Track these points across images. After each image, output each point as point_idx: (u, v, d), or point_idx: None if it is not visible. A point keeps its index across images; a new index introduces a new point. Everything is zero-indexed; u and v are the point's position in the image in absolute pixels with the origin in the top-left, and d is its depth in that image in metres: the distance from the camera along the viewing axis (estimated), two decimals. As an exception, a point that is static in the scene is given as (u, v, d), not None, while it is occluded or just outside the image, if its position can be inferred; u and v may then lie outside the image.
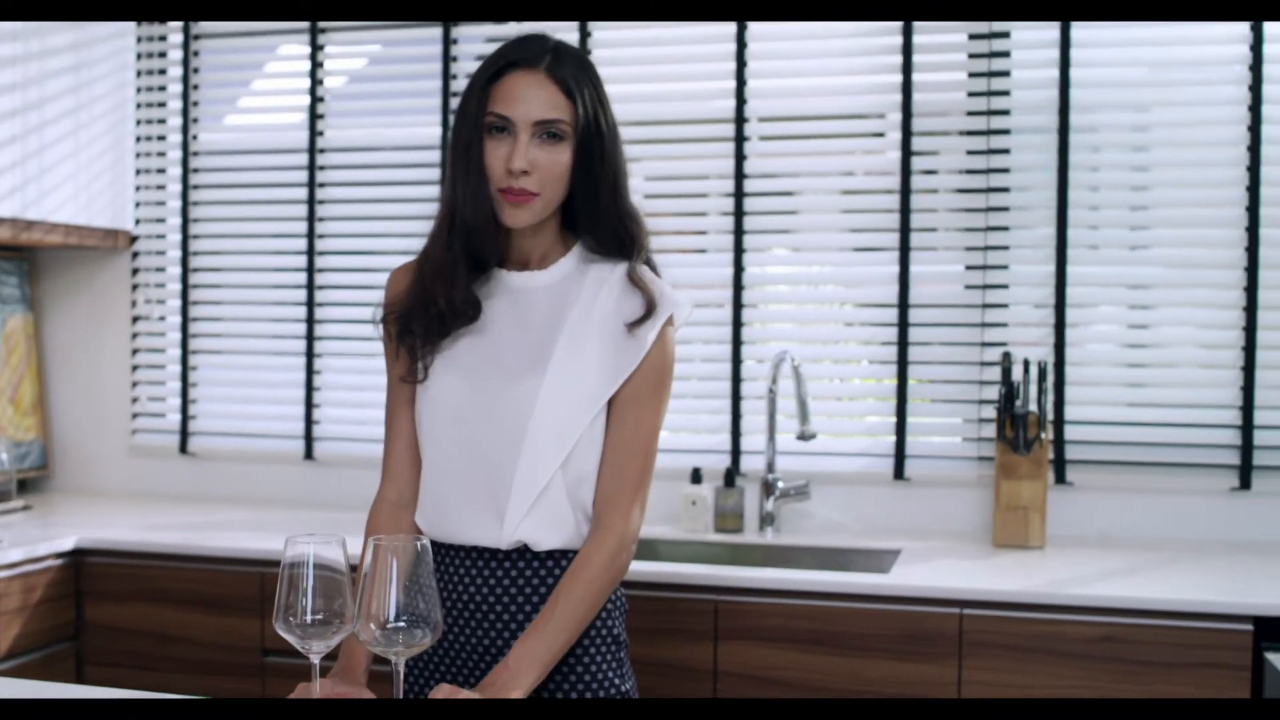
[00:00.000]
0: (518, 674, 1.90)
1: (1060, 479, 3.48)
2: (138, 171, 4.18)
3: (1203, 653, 2.74)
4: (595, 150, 2.03)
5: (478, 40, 3.95)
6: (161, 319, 4.21)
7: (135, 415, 4.21)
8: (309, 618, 1.67)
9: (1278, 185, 3.41)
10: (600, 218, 2.09)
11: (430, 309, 2.07)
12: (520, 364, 2.06)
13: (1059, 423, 3.48)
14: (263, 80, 4.20)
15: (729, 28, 3.71)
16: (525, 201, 2.01)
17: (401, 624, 1.66)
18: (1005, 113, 3.56)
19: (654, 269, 2.18)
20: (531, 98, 1.99)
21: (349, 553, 1.72)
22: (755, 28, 3.70)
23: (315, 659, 1.70)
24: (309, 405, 4.02)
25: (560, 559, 2.08)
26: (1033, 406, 3.37)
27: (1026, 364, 3.36)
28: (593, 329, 2.07)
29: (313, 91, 4.03)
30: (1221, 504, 3.42)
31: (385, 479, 2.21)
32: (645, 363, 2.07)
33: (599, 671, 2.10)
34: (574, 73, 2.02)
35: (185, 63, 4.13)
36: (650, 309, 2.07)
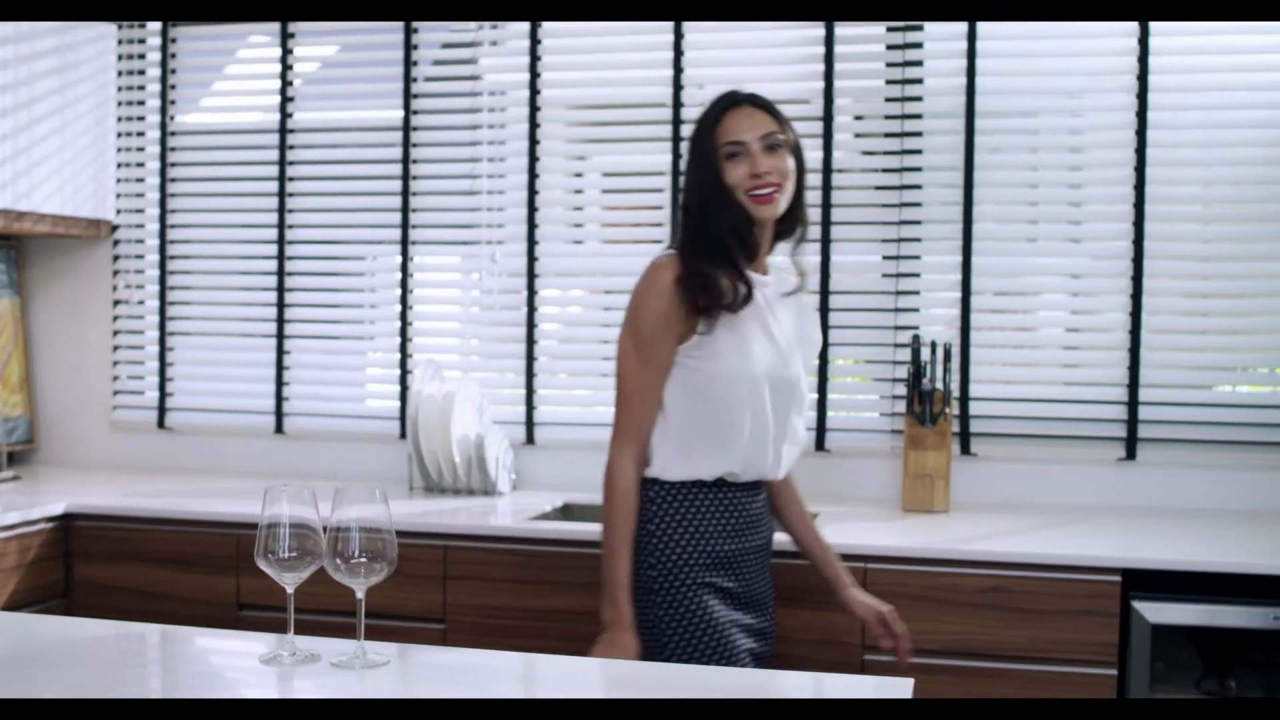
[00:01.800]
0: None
1: (965, 450, 3.83)
2: (119, 165, 4.48)
3: (1078, 600, 3.09)
4: (800, 158, 2.72)
5: (438, 29, 4.26)
6: (140, 303, 4.51)
7: (116, 393, 4.52)
8: (285, 555, 2.00)
9: (1162, 183, 3.76)
10: (800, 210, 2.76)
11: (723, 299, 2.63)
12: (786, 347, 2.73)
13: (964, 399, 3.83)
14: (236, 66, 4.51)
15: (667, 26, 4.05)
16: (771, 198, 2.65)
17: (362, 560, 1.99)
18: (918, 116, 3.90)
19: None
20: (751, 124, 2.67)
21: (318, 505, 2.04)
22: (691, 27, 4.04)
23: (290, 589, 2.03)
24: (279, 383, 4.34)
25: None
26: (938, 384, 3.71)
27: (934, 345, 3.70)
28: (803, 317, 2.84)
29: (283, 77, 4.34)
30: (1109, 472, 3.78)
31: (634, 442, 2.73)
32: None
33: None
34: (767, 103, 2.72)
35: (163, 63, 4.43)
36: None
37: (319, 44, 4.40)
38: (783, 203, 2.68)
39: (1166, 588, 3.04)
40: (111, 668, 2.06)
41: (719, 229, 2.65)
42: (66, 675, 1.97)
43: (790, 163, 2.68)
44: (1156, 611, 3.03)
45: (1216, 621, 3.01)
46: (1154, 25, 3.73)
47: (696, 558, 2.73)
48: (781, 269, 2.86)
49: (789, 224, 2.78)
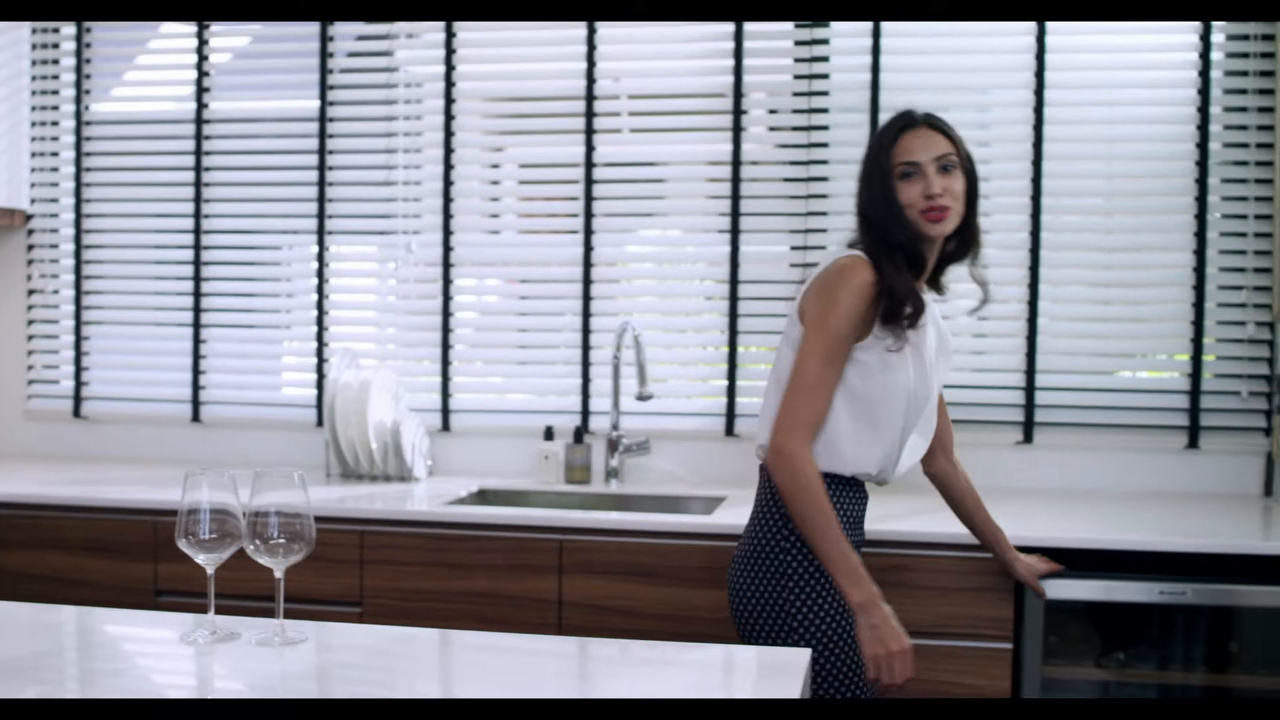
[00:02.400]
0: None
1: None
2: (33, 154, 4.48)
3: (974, 578, 3.22)
4: (973, 177, 2.76)
5: (351, 24, 4.31)
6: (55, 292, 4.53)
7: (31, 382, 4.53)
8: (205, 536, 2.06)
9: (1060, 176, 3.91)
10: (971, 227, 2.79)
11: (904, 309, 2.68)
12: (930, 364, 2.80)
13: (868, 385, 3.95)
14: (150, 57, 4.53)
15: (581, 24, 4.14)
16: (943, 216, 2.69)
17: (281, 541, 2.06)
18: (824, 111, 4.02)
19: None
20: (926, 145, 2.70)
21: (237, 490, 2.10)
22: (604, 23, 4.14)
23: (210, 569, 2.10)
24: (196, 371, 4.38)
25: None
26: (844, 370, 3.83)
27: (838, 333, 3.82)
28: (942, 333, 2.88)
29: (199, 67, 4.37)
30: (1007, 455, 3.92)
31: (812, 432, 2.66)
32: None
33: None
34: (942, 123, 2.75)
35: (78, 52, 4.45)
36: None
37: (233, 34, 4.43)
38: (953, 222, 2.72)
39: (1059, 563, 3.18)
40: (31, 647, 2.11)
41: (898, 244, 2.70)
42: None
43: (961, 183, 2.72)
44: (1049, 587, 3.16)
45: (1108, 597, 3.14)
46: (1050, 25, 3.87)
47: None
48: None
49: (958, 242, 2.81)
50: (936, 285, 2.86)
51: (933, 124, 2.75)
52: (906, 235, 2.69)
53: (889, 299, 2.66)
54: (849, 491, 2.79)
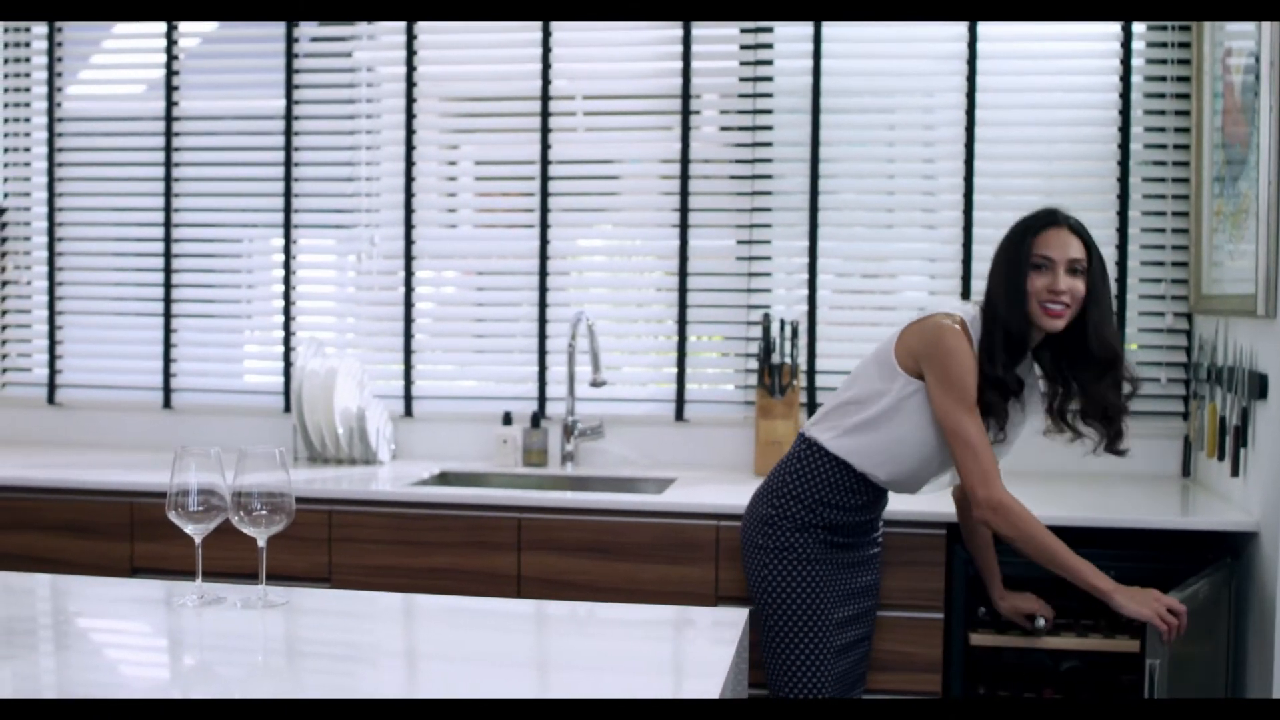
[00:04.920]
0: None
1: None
2: (6, 149, 4.63)
3: (909, 551, 3.42)
4: (1100, 284, 2.97)
5: (314, 23, 4.48)
6: (29, 283, 4.68)
7: (5, 370, 4.68)
8: (194, 509, 2.24)
9: (991, 175, 4.12)
10: (1111, 327, 3.01)
11: (1001, 390, 2.98)
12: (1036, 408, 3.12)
13: (810, 372, 4.16)
14: (119, 56, 4.68)
15: (536, 22, 4.32)
16: (1061, 314, 2.93)
17: (264, 513, 2.24)
18: (768, 112, 4.22)
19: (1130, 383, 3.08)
20: (1065, 244, 2.95)
21: (223, 467, 2.28)
22: (559, 25, 4.32)
23: (197, 539, 2.28)
24: (167, 359, 4.54)
25: None
26: (787, 359, 4.04)
27: (782, 323, 4.03)
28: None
29: (169, 66, 4.52)
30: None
31: (1001, 481, 3.01)
32: None
33: None
34: (1083, 229, 2.98)
35: (50, 50, 4.59)
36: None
37: (199, 34, 4.58)
38: (1066, 320, 2.94)
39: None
40: (33, 609, 2.29)
41: (1007, 327, 2.96)
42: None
43: (1083, 287, 2.94)
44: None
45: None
46: (981, 28, 4.09)
47: (803, 504, 3.14)
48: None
49: (1079, 341, 2.99)
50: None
51: (1076, 229, 2.99)
52: (1020, 321, 2.96)
53: (982, 397, 2.97)
54: (863, 484, 3.13)
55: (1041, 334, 3.00)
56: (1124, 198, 4.05)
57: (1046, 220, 2.99)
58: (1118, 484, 3.87)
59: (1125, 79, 4.04)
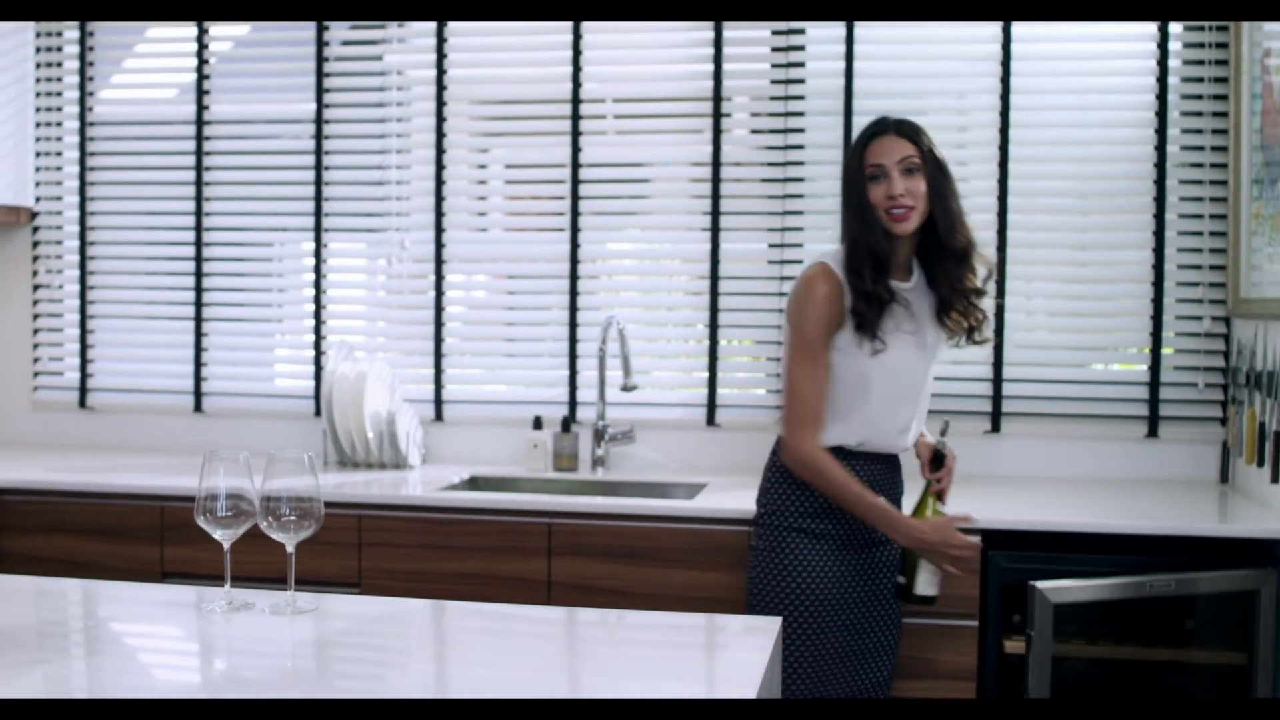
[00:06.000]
0: None
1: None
2: (38, 154, 4.64)
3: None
4: (939, 177, 3.02)
5: (344, 26, 4.47)
6: (60, 287, 4.69)
7: (37, 374, 4.69)
8: (222, 514, 2.23)
9: (1025, 177, 4.08)
10: (958, 222, 3.06)
11: (873, 302, 3.00)
12: (922, 340, 3.10)
13: (843, 376, 4.13)
14: (150, 60, 4.70)
15: (566, 25, 4.30)
16: (905, 216, 2.99)
17: (292, 518, 2.23)
18: (800, 114, 4.19)
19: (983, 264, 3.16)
20: (893, 149, 3.01)
21: (251, 472, 2.27)
22: (589, 27, 4.30)
23: (226, 544, 2.27)
24: (198, 363, 4.54)
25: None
26: (819, 362, 4.00)
27: (814, 327, 3.99)
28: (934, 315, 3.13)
29: (199, 70, 4.53)
30: (976, 443, 4.09)
31: (811, 427, 3.07)
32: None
33: None
34: (911, 129, 3.03)
35: (81, 54, 4.60)
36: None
37: (230, 38, 4.59)
38: (915, 221, 3.01)
39: (1023, 545, 3.36)
40: (66, 613, 2.28)
41: (867, 243, 3.01)
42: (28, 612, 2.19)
43: (924, 184, 3.00)
44: (1012, 567, 3.33)
45: (1070, 576, 3.30)
46: (1016, 28, 4.05)
47: (794, 504, 3.14)
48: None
49: (931, 234, 3.06)
50: (957, 280, 3.11)
51: (901, 130, 3.04)
52: (874, 234, 3.01)
53: (854, 312, 3.01)
54: (858, 460, 3.11)
55: (904, 243, 3.06)
56: (1161, 200, 4.00)
57: (874, 130, 3.06)
58: (1154, 489, 3.83)
59: (1162, 80, 4.00)
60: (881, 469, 3.16)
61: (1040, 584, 3.25)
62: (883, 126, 3.06)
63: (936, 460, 3.20)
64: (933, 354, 3.17)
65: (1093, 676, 3.40)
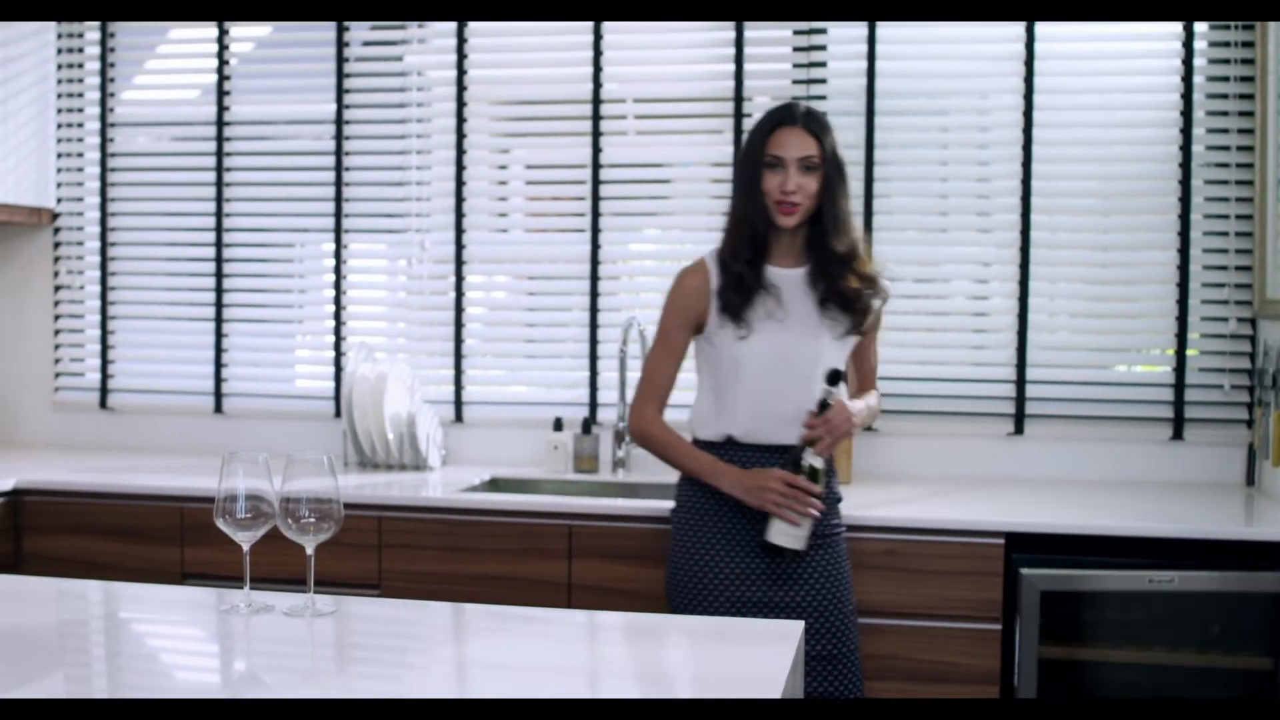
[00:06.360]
0: (862, 411, 3.16)
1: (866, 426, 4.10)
2: (59, 155, 4.65)
3: (965, 562, 3.37)
4: (834, 178, 3.04)
5: (365, 27, 4.47)
6: (81, 288, 4.69)
7: (58, 374, 4.70)
8: (241, 515, 2.22)
9: (1049, 178, 4.05)
10: (845, 224, 3.08)
11: (739, 288, 3.05)
12: (799, 328, 3.08)
13: (865, 378, 4.10)
14: (171, 61, 4.70)
15: (587, 23, 4.28)
16: (792, 212, 3.02)
17: (311, 520, 2.21)
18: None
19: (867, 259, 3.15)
20: (796, 143, 3.01)
21: (270, 472, 2.26)
22: (610, 27, 4.29)
23: (245, 546, 2.25)
24: (218, 365, 4.54)
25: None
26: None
27: (836, 328, 3.97)
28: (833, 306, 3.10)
29: (220, 71, 4.53)
30: (999, 446, 4.07)
31: (648, 403, 3.21)
32: (871, 327, 3.23)
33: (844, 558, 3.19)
34: (818, 125, 3.03)
35: (102, 56, 4.61)
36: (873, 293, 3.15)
37: (250, 39, 4.59)
38: (799, 218, 3.03)
39: (1048, 549, 3.33)
40: (85, 613, 2.27)
41: (751, 228, 3.05)
42: (46, 614, 2.18)
43: (817, 184, 3.02)
44: (1036, 570, 3.30)
45: (1094, 579, 3.28)
46: (1039, 28, 4.02)
47: (704, 501, 3.15)
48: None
49: (819, 230, 3.07)
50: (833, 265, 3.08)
51: (807, 125, 3.04)
52: (759, 221, 3.05)
53: (719, 294, 3.07)
54: (727, 453, 3.12)
55: (785, 235, 3.07)
56: (1186, 200, 3.97)
57: (780, 119, 3.06)
58: (1179, 492, 3.81)
59: (1187, 79, 3.97)
60: (773, 462, 3.09)
61: (1026, 570, 3.30)
62: (790, 117, 3.05)
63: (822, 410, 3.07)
64: (819, 344, 3.09)
65: (1117, 682, 3.38)
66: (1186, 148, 3.97)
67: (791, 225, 3.04)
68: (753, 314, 3.06)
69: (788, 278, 3.10)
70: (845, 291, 3.08)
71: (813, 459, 3.02)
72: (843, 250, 3.07)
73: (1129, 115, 4.04)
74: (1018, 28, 4.04)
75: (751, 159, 3.07)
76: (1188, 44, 3.96)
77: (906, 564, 3.40)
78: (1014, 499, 3.68)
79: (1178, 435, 3.99)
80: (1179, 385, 4.00)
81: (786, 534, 3.01)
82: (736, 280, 3.06)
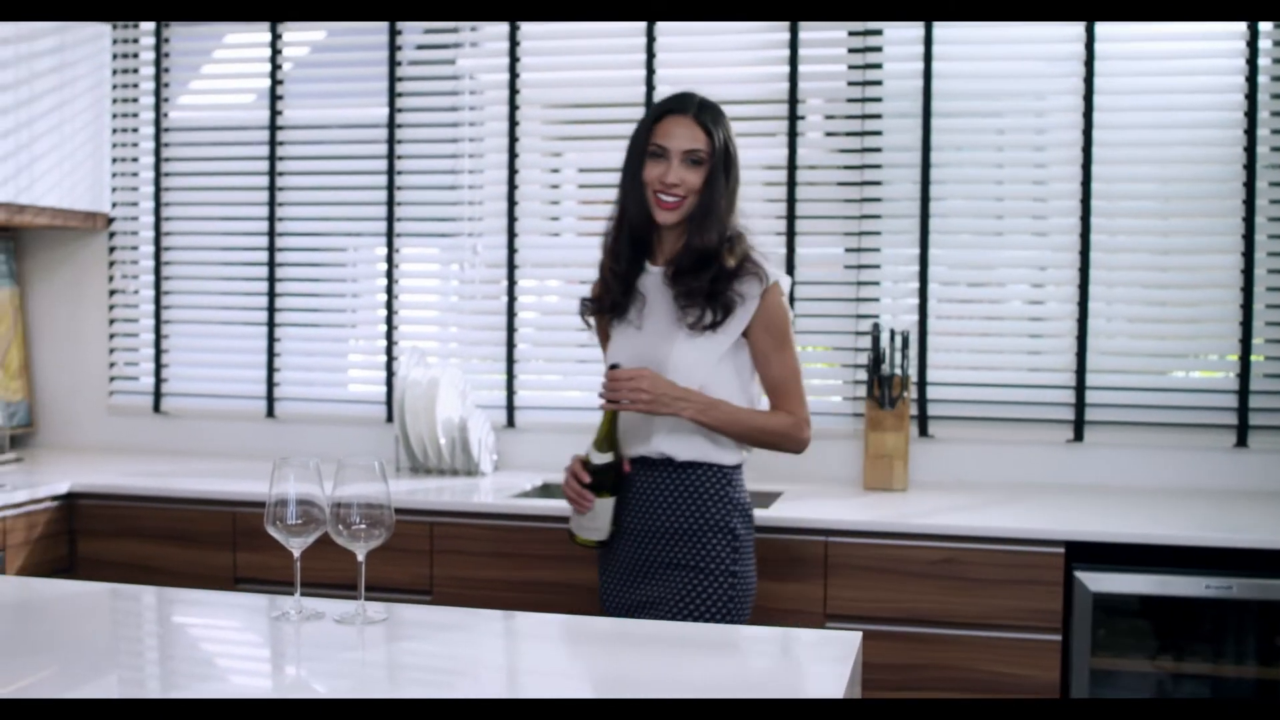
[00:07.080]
0: (701, 401, 2.84)
1: (923, 432, 4.05)
2: (114, 160, 4.67)
3: (1024, 570, 3.31)
4: (721, 173, 2.83)
5: (417, 31, 4.47)
6: (136, 292, 4.71)
7: (113, 378, 4.72)
8: (292, 522, 2.20)
9: (1109, 180, 3.99)
10: (716, 221, 2.84)
11: (609, 287, 2.94)
12: (650, 330, 2.90)
13: (921, 383, 4.06)
14: (225, 65, 4.72)
15: (640, 25, 4.26)
16: (672, 206, 2.82)
17: (362, 526, 2.19)
18: (877, 116, 4.11)
19: (754, 256, 2.91)
20: (683, 134, 2.82)
21: (321, 478, 2.24)
22: (663, 29, 4.25)
23: (296, 553, 2.24)
24: (270, 369, 4.55)
25: (695, 469, 2.90)
26: (897, 370, 3.93)
27: (892, 333, 3.92)
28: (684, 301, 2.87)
29: (273, 76, 4.54)
30: (1058, 453, 4.00)
31: None
32: (758, 324, 2.87)
33: (713, 552, 2.90)
34: (711, 118, 2.84)
35: (157, 61, 4.62)
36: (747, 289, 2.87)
37: (304, 43, 4.60)
38: (679, 214, 2.83)
39: (1108, 559, 3.27)
40: (139, 618, 2.26)
41: (630, 220, 2.89)
42: (96, 619, 2.17)
43: (701, 179, 2.82)
44: (1097, 581, 3.25)
45: (1157, 591, 3.22)
46: (1099, 28, 3.96)
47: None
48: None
49: (703, 229, 2.84)
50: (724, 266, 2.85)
51: (699, 117, 2.85)
52: (638, 213, 2.87)
53: (616, 288, 2.93)
54: (634, 464, 2.96)
55: (667, 232, 2.89)
56: (1250, 203, 3.90)
57: (669, 106, 2.88)
58: (1244, 501, 3.73)
59: (1251, 79, 3.89)
60: (641, 474, 2.93)
61: (1085, 577, 3.21)
62: (681, 106, 2.86)
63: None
64: (670, 346, 2.87)
65: (1178, 695, 3.31)
66: (1251, 149, 3.89)
67: (671, 222, 2.84)
68: (625, 316, 2.94)
69: (652, 277, 2.93)
70: (697, 285, 2.82)
71: (591, 451, 2.92)
72: (705, 244, 2.82)
73: (1191, 116, 3.96)
74: (1077, 28, 3.98)
75: (636, 147, 2.88)
76: (1251, 43, 3.88)
77: (964, 573, 3.34)
78: (1074, 507, 3.62)
79: (1242, 442, 3.91)
80: (1243, 391, 3.92)
81: (580, 525, 2.97)
82: (609, 279, 2.94)
